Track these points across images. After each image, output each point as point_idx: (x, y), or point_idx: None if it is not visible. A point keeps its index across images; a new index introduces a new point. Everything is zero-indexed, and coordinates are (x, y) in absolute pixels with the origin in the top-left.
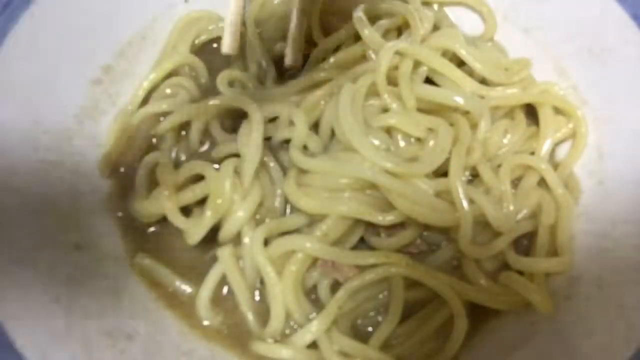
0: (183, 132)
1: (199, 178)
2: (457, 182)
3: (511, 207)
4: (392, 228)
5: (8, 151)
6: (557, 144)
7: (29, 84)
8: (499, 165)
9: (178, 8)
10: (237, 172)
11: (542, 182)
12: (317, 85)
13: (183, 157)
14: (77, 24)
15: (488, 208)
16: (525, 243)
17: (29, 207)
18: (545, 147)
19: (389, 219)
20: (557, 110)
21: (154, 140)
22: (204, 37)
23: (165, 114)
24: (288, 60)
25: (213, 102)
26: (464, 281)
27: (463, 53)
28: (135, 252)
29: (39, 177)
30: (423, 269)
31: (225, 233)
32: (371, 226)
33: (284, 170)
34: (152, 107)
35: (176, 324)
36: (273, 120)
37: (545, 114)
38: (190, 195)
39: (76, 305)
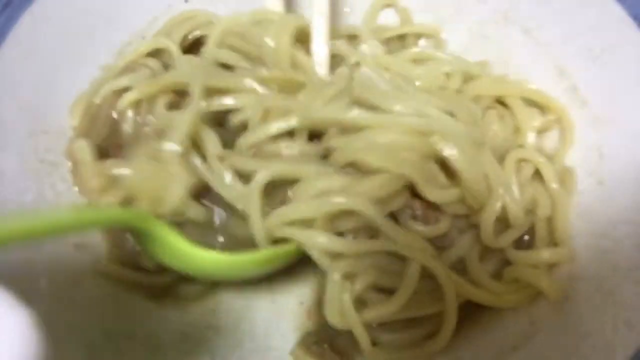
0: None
1: None
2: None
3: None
4: (429, 215)
5: (8, 151)
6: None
7: (29, 84)
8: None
9: (178, 8)
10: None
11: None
12: None
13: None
14: (77, 24)
15: (507, 199)
16: (526, 240)
17: (29, 207)
18: (530, 139)
19: (444, 195)
20: (535, 104)
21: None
22: (197, 33)
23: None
24: None
25: (163, 77)
26: (469, 282)
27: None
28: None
29: (39, 177)
30: (442, 265)
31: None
32: (409, 208)
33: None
34: (113, 84)
35: (176, 323)
36: None
37: (517, 106)
38: (112, 199)
39: (76, 306)
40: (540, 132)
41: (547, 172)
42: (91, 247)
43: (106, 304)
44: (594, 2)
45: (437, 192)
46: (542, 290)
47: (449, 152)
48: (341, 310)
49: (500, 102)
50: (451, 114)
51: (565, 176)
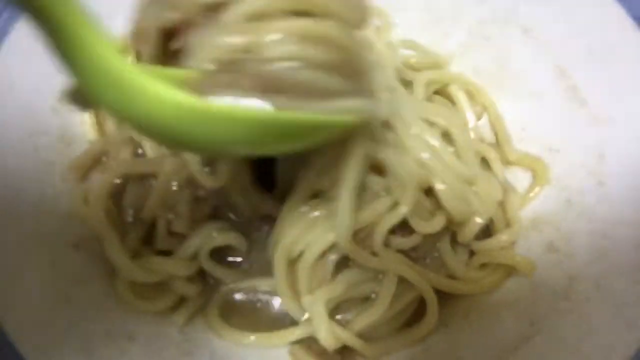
0: None
1: None
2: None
3: None
4: (404, 228)
5: (8, 151)
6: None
7: (29, 84)
8: None
9: None
10: None
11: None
12: None
13: None
14: None
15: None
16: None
17: (29, 208)
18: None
19: (431, 226)
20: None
21: None
22: None
23: None
24: None
25: None
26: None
27: None
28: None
29: (39, 177)
30: (417, 270)
31: None
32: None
33: None
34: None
35: (177, 323)
36: None
37: (459, 96)
38: None
39: (76, 305)
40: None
41: (495, 160)
42: (91, 247)
43: (106, 303)
44: (594, 2)
45: (424, 224)
46: (516, 267)
47: (439, 187)
48: (334, 335)
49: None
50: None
51: (537, 166)
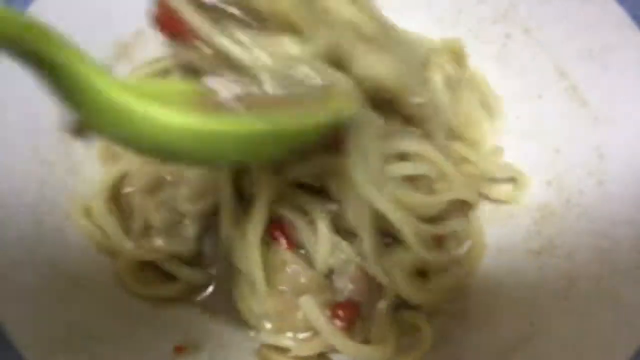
0: None
1: None
2: None
3: None
4: None
5: (8, 151)
6: None
7: (29, 84)
8: None
9: None
10: None
11: None
12: None
13: None
14: (77, 23)
15: None
16: None
17: (29, 207)
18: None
19: None
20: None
21: None
22: None
23: None
24: None
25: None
26: None
27: None
28: None
29: (39, 177)
30: None
31: None
32: None
33: None
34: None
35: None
36: None
37: None
38: None
39: (76, 305)
40: None
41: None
42: (91, 247)
43: (107, 303)
44: (594, 2)
45: None
46: None
47: None
48: None
49: None
50: None
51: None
